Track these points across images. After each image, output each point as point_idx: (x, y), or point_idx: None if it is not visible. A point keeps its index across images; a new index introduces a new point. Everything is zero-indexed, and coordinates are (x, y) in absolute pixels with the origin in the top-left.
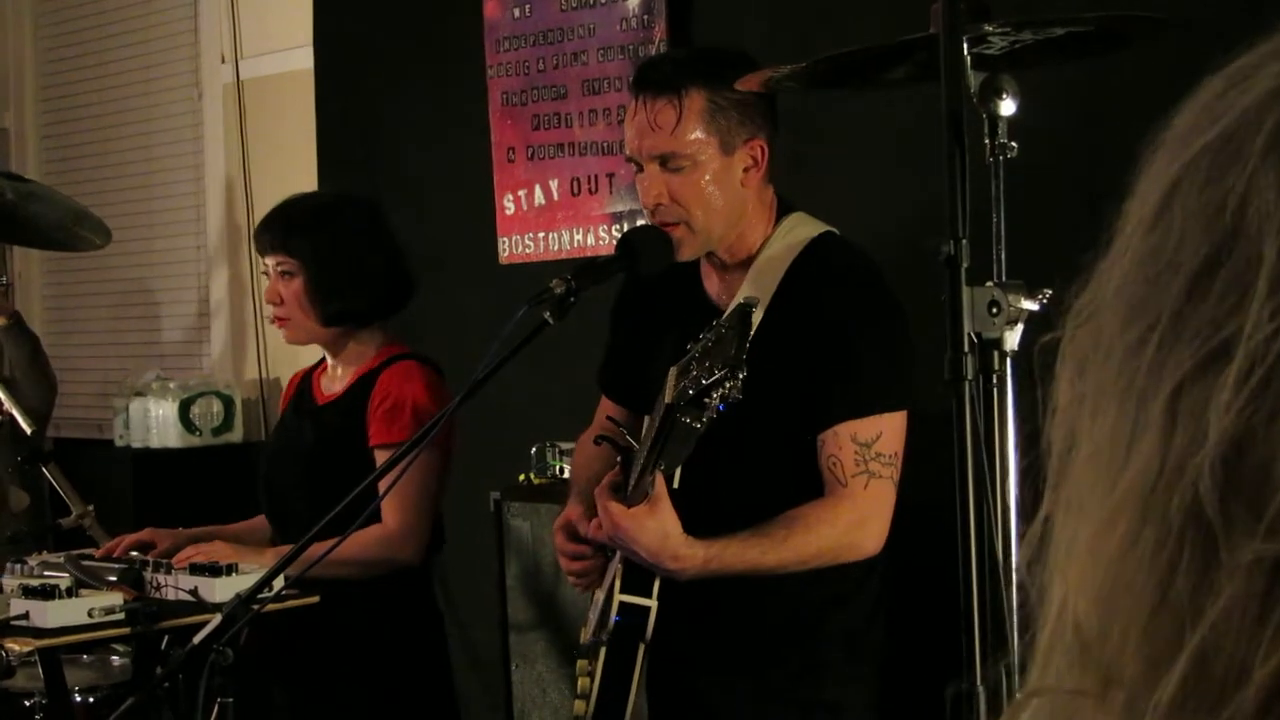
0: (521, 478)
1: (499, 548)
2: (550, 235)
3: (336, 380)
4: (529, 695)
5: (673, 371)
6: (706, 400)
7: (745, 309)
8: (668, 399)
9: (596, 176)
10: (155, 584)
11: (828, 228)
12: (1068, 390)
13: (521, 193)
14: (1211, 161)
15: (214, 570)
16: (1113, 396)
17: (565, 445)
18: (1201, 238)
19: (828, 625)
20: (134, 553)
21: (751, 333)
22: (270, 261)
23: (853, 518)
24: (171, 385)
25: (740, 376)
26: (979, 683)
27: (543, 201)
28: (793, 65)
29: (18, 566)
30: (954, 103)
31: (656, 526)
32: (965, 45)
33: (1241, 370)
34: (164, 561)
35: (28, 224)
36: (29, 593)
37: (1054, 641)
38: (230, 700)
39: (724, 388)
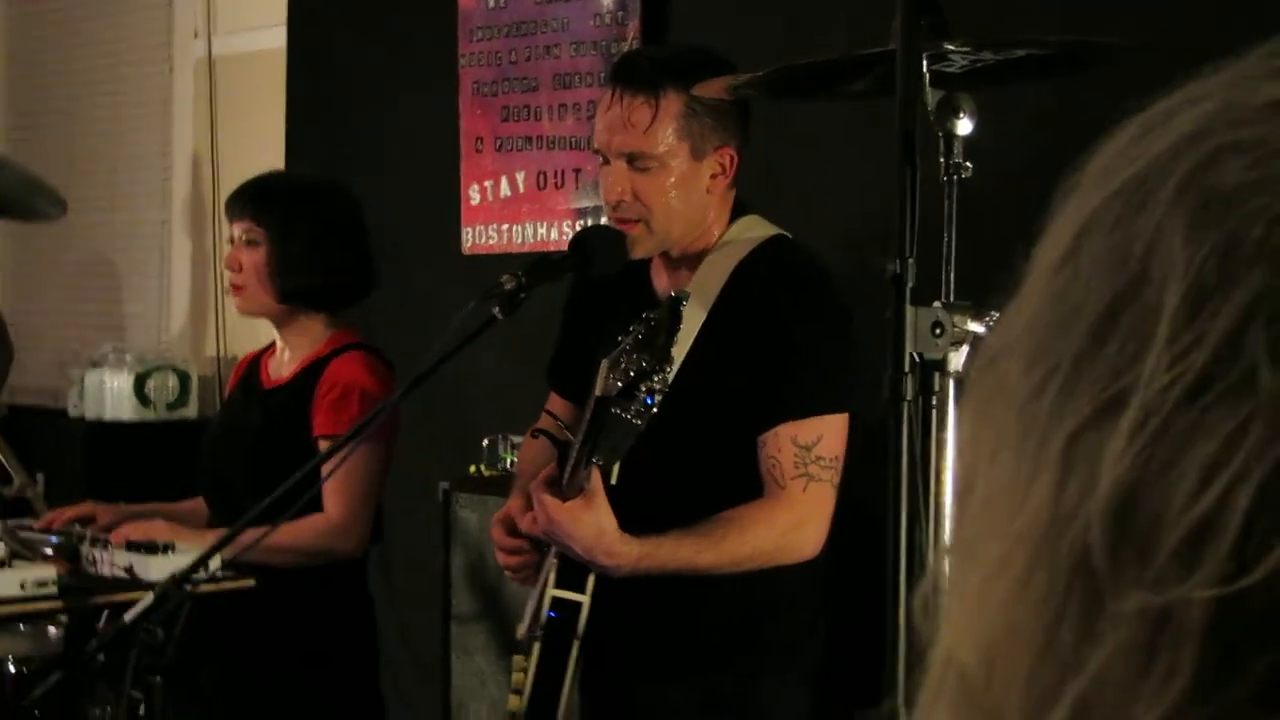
0: (472, 469)
1: (445, 538)
2: (514, 228)
3: (284, 365)
4: (467, 687)
5: (604, 364)
6: (636, 393)
7: (675, 301)
8: (598, 391)
9: (563, 171)
10: (91, 559)
11: (779, 230)
12: (968, 431)
13: (488, 183)
14: (1122, 206)
15: (150, 548)
16: (1011, 440)
17: (517, 438)
18: (1106, 284)
19: (763, 634)
20: (76, 525)
21: (681, 325)
22: (238, 229)
23: (790, 520)
24: (128, 358)
25: (668, 369)
26: (902, 703)
27: (508, 193)
28: (751, 73)
29: None
30: (907, 121)
31: (591, 521)
32: (925, 62)
33: (1136, 419)
34: (102, 537)
35: None
36: None
37: (939, 687)
38: (157, 679)
39: (651, 380)
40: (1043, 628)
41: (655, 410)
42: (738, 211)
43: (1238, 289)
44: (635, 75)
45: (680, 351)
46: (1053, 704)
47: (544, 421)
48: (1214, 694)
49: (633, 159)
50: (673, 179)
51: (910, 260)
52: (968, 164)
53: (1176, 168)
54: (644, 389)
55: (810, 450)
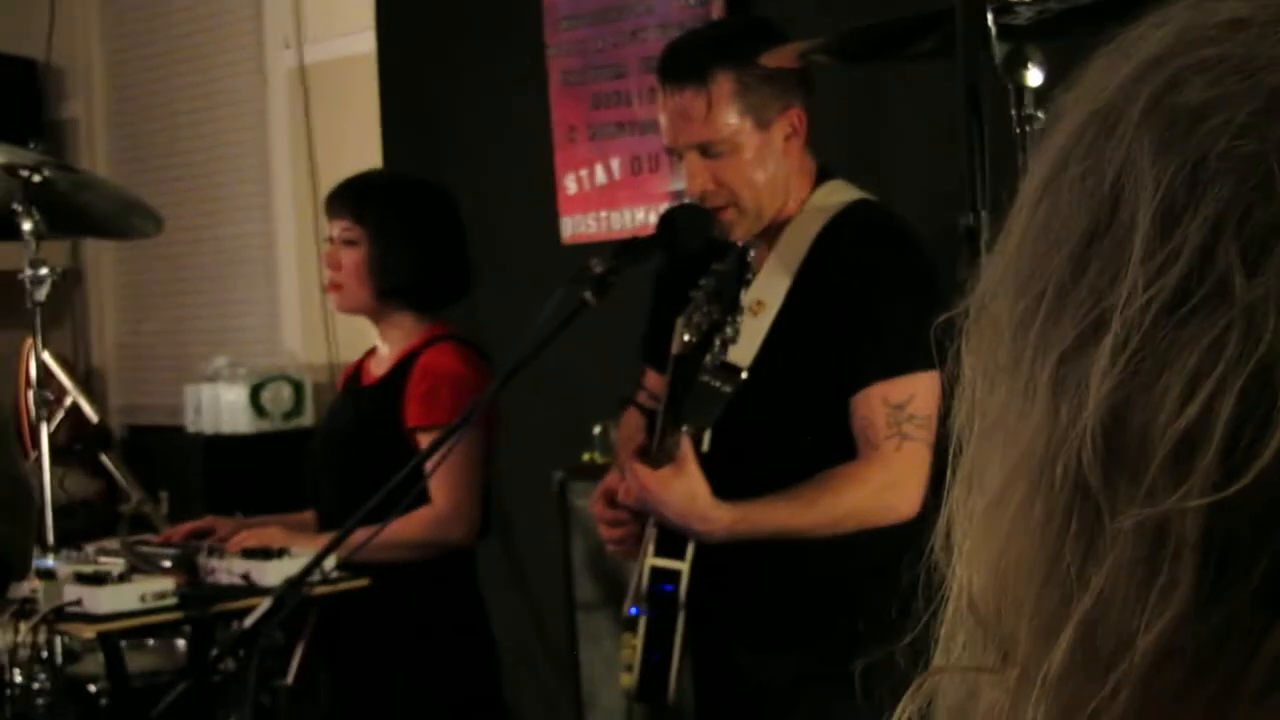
0: (586, 457)
1: (563, 527)
2: (612, 214)
3: (381, 363)
4: (597, 675)
5: (679, 322)
6: (711, 345)
7: (741, 251)
8: (674, 350)
9: (657, 155)
10: (208, 569)
11: (863, 194)
12: (969, 365)
13: (583, 172)
14: (1093, 134)
15: (265, 554)
16: (1005, 370)
17: None
18: (1083, 211)
19: (865, 599)
20: (193, 539)
21: (749, 274)
22: (336, 228)
23: (884, 480)
24: (242, 371)
25: (739, 318)
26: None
27: (604, 180)
28: (818, 38)
29: (74, 553)
30: (971, 75)
31: (683, 488)
32: (991, 15)
33: (1118, 339)
34: (218, 546)
35: (81, 214)
36: (82, 579)
37: (956, 619)
38: (284, 682)
39: (724, 331)
40: (1045, 553)
41: (730, 363)
42: (821, 178)
43: (1206, 202)
44: (679, 67)
45: (768, 318)
46: (1059, 627)
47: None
48: (1214, 603)
49: (703, 149)
50: (748, 156)
51: (983, 212)
52: (1039, 115)
53: (1141, 91)
54: (718, 341)
55: (903, 409)
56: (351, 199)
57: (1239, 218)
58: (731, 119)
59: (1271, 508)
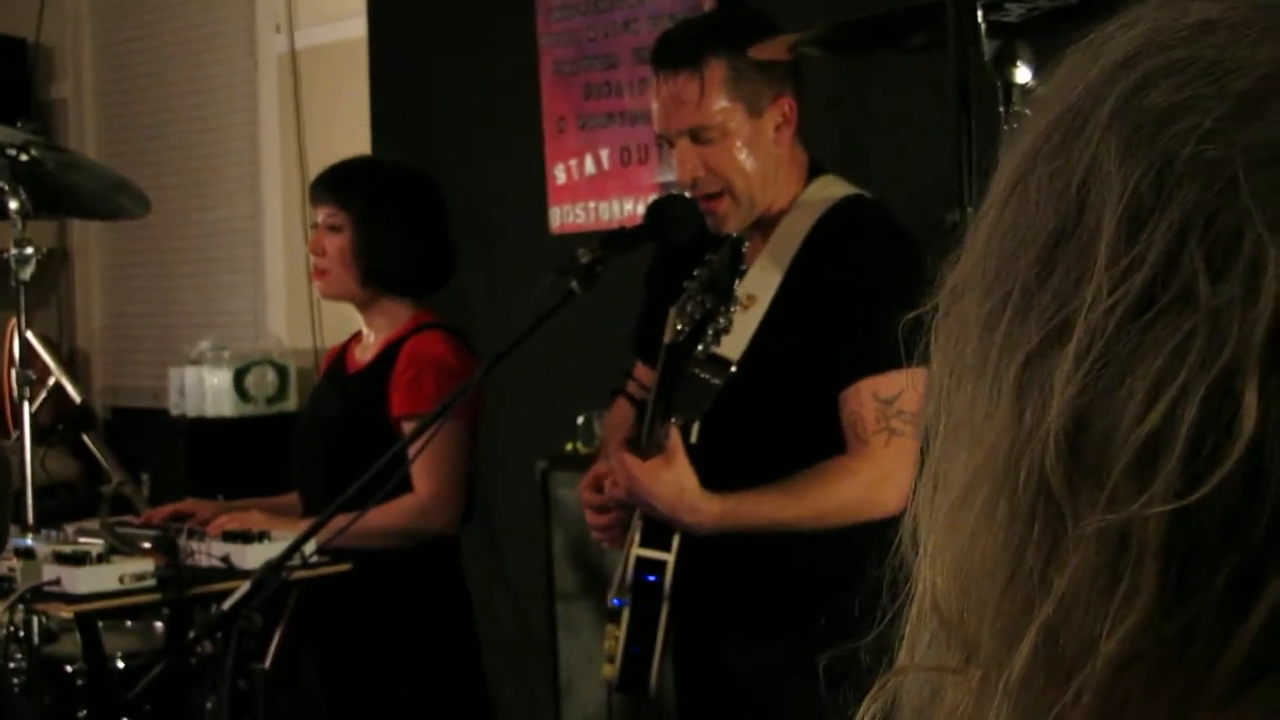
0: (569, 447)
1: (545, 517)
2: (601, 205)
3: (367, 350)
4: (576, 666)
5: (671, 312)
6: (703, 335)
7: (735, 243)
8: (666, 339)
9: (647, 146)
10: (188, 551)
11: (857, 190)
12: (936, 363)
13: (572, 162)
14: (1061, 135)
15: (246, 537)
16: (972, 369)
17: None
18: (1050, 212)
19: (853, 592)
20: (174, 521)
21: (742, 265)
22: (321, 214)
23: (873, 475)
24: (226, 354)
25: (733, 309)
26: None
27: (593, 171)
28: (809, 30)
29: (54, 534)
30: (961, 70)
31: (672, 479)
32: (981, 12)
33: (1082, 343)
34: (198, 529)
35: (69, 194)
36: (61, 559)
37: (920, 618)
38: (262, 666)
39: (716, 321)
40: (1008, 555)
41: (720, 355)
42: (814, 172)
43: (1172, 207)
44: (673, 53)
45: (759, 312)
46: (1022, 631)
47: (628, 385)
48: (1177, 609)
49: (695, 134)
50: (739, 142)
51: (970, 209)
52: (1029, 112)
53: (1110, 93)
54: (710, 331)
55: (892, 404)
56: (336, 185)
57: (1204, 223)
58: (724, 104)
59: (1233, 516)
